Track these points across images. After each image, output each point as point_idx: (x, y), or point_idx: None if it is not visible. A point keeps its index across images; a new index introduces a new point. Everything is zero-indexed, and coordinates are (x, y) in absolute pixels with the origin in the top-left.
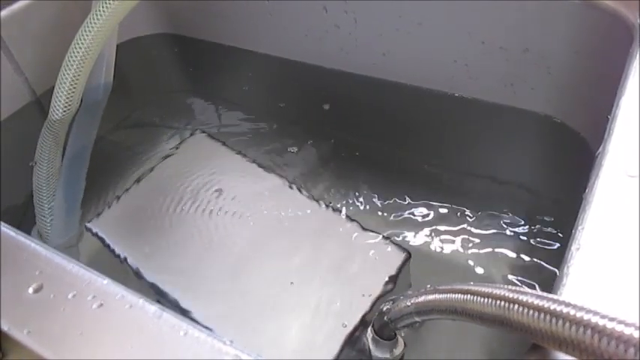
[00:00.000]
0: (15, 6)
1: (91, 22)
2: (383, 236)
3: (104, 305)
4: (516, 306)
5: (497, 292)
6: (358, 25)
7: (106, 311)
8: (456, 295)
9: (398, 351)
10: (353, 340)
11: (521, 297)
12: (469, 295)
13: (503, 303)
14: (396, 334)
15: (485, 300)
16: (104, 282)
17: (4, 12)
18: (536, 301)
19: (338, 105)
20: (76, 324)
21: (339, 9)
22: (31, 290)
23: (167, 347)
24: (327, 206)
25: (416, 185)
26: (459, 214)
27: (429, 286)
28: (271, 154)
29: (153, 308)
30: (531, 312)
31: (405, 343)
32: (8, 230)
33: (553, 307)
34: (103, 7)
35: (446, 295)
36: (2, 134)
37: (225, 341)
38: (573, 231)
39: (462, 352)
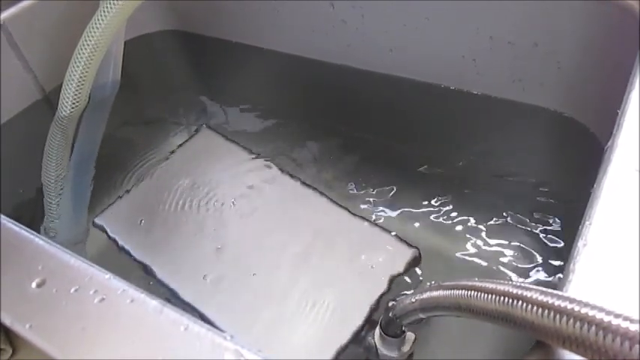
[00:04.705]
0: (23, 4)
1: (98, 20)
2: (391, 233)
3: (106, 300)
4: (520, 302)
5: (501, 288)
6: (365, 21)
7: (107, 306)
8: (460, 292)
9: (406, 349)
10: (359, 336)
11: (525, 293)
12: (473, 292)
13: (507, 299)
14: (403, 332)
15: (489, 296)
16: (106, 277)
17: (13, 10)
18: (541, 298)
19: (344, 101)
20: (77, 318)
21: (346, 4)
22: (34, 285)
23: (168, 342)
24: (334, 202)
25: (423, 182)
26: (466, 210)
27: (433, 282)
28: (277, 149)
29: (154, 303)
30: (535, 308)
31: (414, 339)
32: (12, 225)
33: (557, 303)
34: (110, 4)
35: (450, 292)
36: (12, 131)
37: (225, 336)
38: (580, 226)
39: (467, 349)
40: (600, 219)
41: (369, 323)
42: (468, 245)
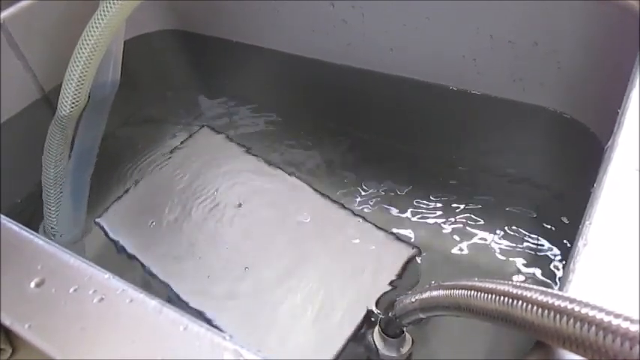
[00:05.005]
0: (23, 4)
1: (98, 19)
2: (390, 232)
3: (105, 300)
4: (520, 302)
5: (500, 288)
6: (365, 20)
7: (106, 306)
8: (460, 292)
9: (405, 349)
10: (359, 336)
11: (525, 293)
12: (473, 292)
13: (506, 299)
14: (403, 331)
15: (489, 296)
16: (105, 276)
17: (13, 9)
18: (540, 298)
19: (345, 100)
20: (77, 318)
21: (346, 4)
22: (32, 284)
23: (167, 342)
24: (333, 202)
25: (423, 181)
26: (467, 209)
27: (433, 282)
28: (277, 149)
29: (153, 303)
30: (535, 308)
31: (413, 340)
32: (11, 225)
33: (557, 303)
34: (110, 4)
35: (450, 292)
36: (11, 130)
37: (224, 336)
38: (580, 226)
39: (467, 349)
40: (600, 218)
41: (368, 323)
42: (468, 245)
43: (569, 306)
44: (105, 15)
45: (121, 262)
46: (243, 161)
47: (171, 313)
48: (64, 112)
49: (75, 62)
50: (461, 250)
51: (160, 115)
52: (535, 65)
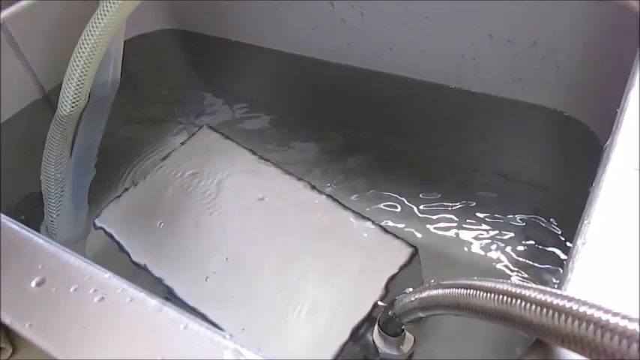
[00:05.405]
0: (23, 3)
1: (98, 19)
2: (389, 231)
3: (105, 299)
4: (519, 301)
5: (499, 286)
6: (365, 19)
7: (107, 305)
8: (459, 290)
9: (406, 348)
10: (358, 336)
11: (523, 292)
12: (472, 290)
13: (505, 298)
14: (403, 330)
15: (488, 295)
16: (105, 276)
17: (13, 9)
18: (539, 296)
19: (344, 100)
20: (77, 317)
21: (345, 3)
22: (33, 284)
23: (167, 341)
24: (333, 201)
25: (423, 180)
26: (466, 208)
27: (432, 281)
28: (277, 148)
29: (153, 302)
30: (534, 307)
31: (414, 339)
32: (12, 224)
33: (556, 302)
34: (109, 3)
35: (449, 290)
36: (11, 130)
37: (225, 335)
38: (579, 225)
39: (467, 348)
40: (599, 218)
41: (367, 322)
42: (467, 243)
43: (568, 304)
44: (105, 15)
45: (122, 261)
46: (243, 161)
47: (171, 312)
48: (64, 112)
49: (75, 62)
50: (460, 249)
51: (160, 115)
52: (534, 64)
